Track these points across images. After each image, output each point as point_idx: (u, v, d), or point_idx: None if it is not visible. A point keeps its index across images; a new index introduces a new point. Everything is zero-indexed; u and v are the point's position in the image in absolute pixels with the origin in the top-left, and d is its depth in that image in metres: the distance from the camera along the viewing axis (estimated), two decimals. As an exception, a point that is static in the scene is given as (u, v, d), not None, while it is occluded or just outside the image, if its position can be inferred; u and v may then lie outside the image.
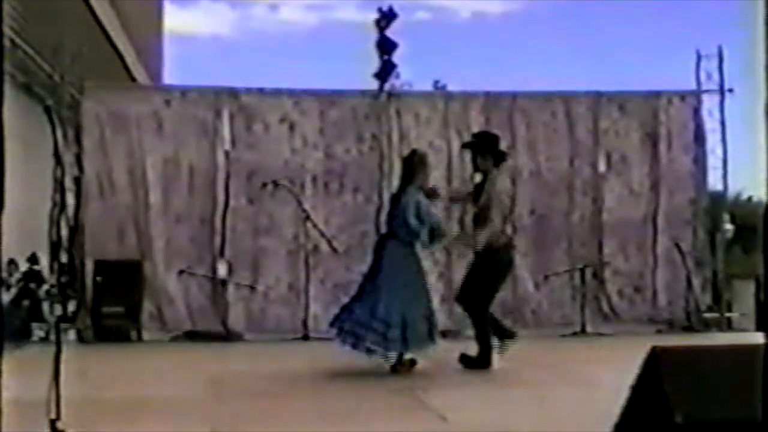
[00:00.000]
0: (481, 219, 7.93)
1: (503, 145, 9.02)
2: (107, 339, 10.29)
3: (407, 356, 7.73)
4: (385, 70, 10.96)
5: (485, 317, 7.95)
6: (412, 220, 7.60)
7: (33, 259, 10.46)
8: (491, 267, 7.95)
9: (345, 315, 7.77)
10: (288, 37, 48.93)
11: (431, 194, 7.97)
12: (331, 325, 7.97)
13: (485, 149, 8.08)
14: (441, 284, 10.76)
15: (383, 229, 10.98)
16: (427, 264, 10.55)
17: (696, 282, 11.44)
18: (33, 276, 10.47)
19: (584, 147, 11.51)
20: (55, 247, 10.33)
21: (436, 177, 11.04)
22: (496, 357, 7.89)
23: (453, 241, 9.44)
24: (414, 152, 8.36)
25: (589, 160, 11.52)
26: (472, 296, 7.94)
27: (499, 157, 8.17)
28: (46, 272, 10.46)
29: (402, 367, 7.68)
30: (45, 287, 10.39)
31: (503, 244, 8.04)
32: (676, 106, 11.68)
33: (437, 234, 7.90)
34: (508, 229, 8.32)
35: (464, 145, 8.95)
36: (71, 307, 10.41)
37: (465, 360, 7.86)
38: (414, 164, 7.89)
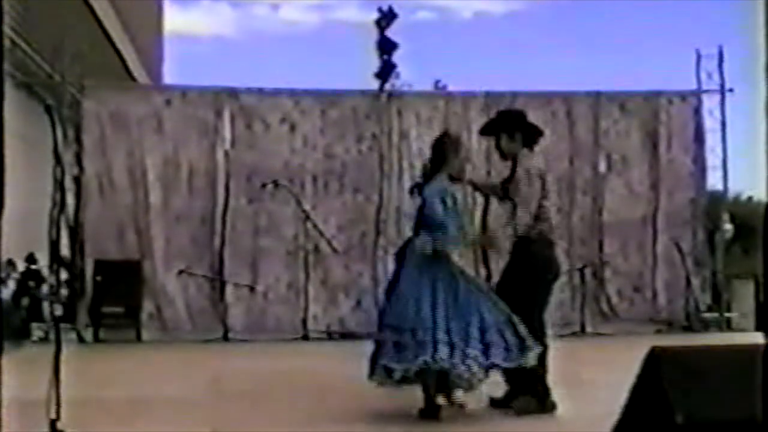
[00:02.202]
0: (509, 211, 6.28)
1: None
2: (107, 339, 10.30)
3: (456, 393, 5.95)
4: (386, 70, 10.96)
5: (541, 338, 6.05)
6: (438, 209, 5.89)
7: (31, 258, 10.46)
8: (526, 268, 6.15)
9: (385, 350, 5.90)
10: (289, 37, 48.92)
11: (453, 178, 6.18)
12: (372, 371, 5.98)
13: (511, 128, 6.28)
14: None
15: (383, 230, 11.04)
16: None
17: (695, 282, 11.45)
18: (32, 275, 10.47)
19: (584, 147, 11.52)
20: (54, 247, 10.33)
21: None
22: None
23: (476, 242, 7.77)
24: (446, 134, 6.97)
25: (589, 159, 11.53)
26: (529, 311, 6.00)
27: (531, 135, 6.32)
28: (45, 272, 10.45)
29: (448, 408, 5.91)
30: (45, 287, 10.39)
31: (539, 237, 6.25)
32: (676, 106, 11.69)
33: (456, 236, 6.12)
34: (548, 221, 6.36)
35: (484, 131, 6.96)
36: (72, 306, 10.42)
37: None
38: (446, 148, 6.16)
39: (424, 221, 5.99)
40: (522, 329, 5.81)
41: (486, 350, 5.74)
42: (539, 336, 6.00)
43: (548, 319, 6.47)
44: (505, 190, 6.36)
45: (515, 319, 5.82)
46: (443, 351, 5.65)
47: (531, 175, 6.15)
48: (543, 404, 6.02)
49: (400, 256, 6.27)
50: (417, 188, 6.25)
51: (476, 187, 7.06)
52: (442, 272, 5.91)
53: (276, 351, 9.67)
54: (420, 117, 11.25)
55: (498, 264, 8.27)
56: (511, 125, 6.30)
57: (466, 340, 5.71)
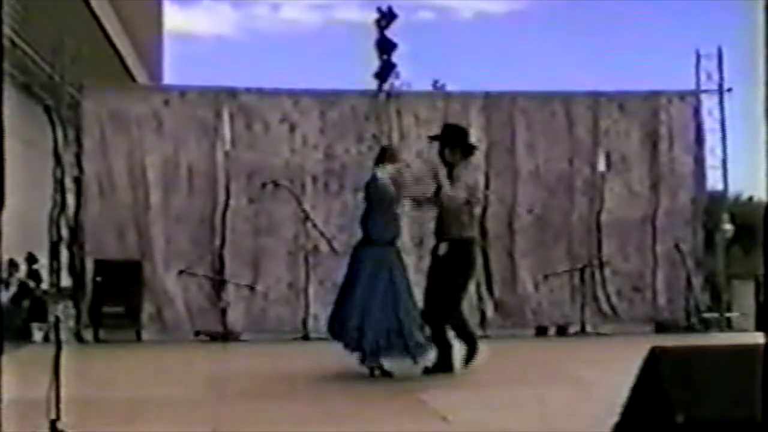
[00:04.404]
0: (446, 214, 7.76)
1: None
2: (107, 339, 10.30)
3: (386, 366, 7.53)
4: (385, 70, 10.95)
5: (451, 320, 7.72)
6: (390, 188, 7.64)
7: (31, 258, 10.46)
8: (462, 264, 7.73)
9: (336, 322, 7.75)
10: (289, 36, 49.03)
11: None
12: (329, 329, 7.95)
13: (454, 142, 7.90)
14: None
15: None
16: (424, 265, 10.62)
17: (696, 282, 11.44)
18: (32, 275, 10.48)
19: (584, 147, 11.51)
20: (54, 247, 10.33)
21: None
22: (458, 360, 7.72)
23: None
24: (384, 148, 8.46)
25: (588, 160, 11.52)
26: (440, 299, 7.66)
27: (468, 150, 8.00)
28: (45, 272, 10.46)
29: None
30: (44, 287, 10.39)
31: (471, 238, 7.86)
32: (676, 106, 11.67)
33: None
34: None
35: (432, 137, 8.54)
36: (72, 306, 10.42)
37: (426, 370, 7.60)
38: (385, 158, 7.92)
39: (376, 201, 7.63)
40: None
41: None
42: (449, 316, 7.70)
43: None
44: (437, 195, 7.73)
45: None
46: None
47: (461, 189, 7.60)
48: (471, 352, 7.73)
49: (354, 255, 7.75)
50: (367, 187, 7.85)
51: (416, 200, 8.44)
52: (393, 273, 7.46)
53: (276, 351, 9.67)
54: (419, 117, 11.24)
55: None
56: (453, 140, 7.88)
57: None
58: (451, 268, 7.68)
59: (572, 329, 11.15)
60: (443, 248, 7.71)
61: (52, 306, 10.12)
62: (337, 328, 7.67)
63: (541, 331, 11.15)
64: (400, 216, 8.03)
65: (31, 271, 10.70)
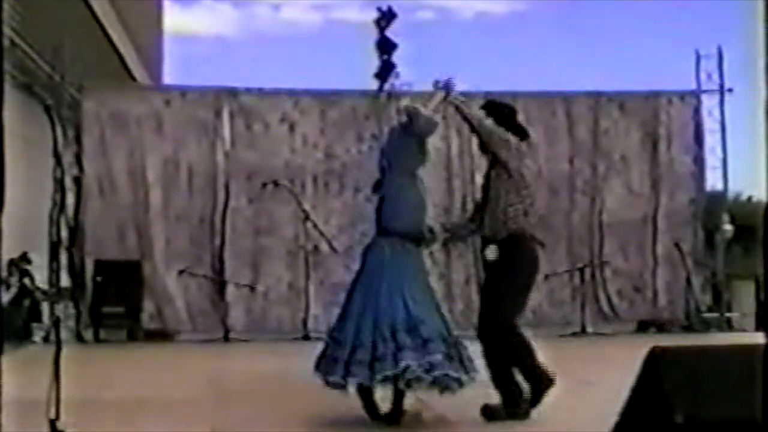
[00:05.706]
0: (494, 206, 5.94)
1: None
2: (107, 339, 10.30)
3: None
4: (385, 70, 10.92)
5: (517, 340, 5.88)
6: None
7: (24, 258, 10.45)
8: (514, 266, 5.76)
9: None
10: (290, 37, 48.92)
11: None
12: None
13: (496, 116, 6.18)
14: (441, 285, 10.74)
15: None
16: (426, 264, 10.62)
17: (696, 282, 11.44)
18: (28, 275, 10.47)
19: (584, 147, 11.51)
20: (54, 247, 10.33)
21: (435, 177, 11.06)
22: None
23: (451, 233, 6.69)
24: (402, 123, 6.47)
25: (589, 160, 11.52)
26: (495, 314, 5.75)
27: (520, 133, 6.23)
28: (45, 272, 10.45)
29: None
30: (40, 286, 10.38)
31: (529, 235, 5.87)
32: (676, 106, 11.69)
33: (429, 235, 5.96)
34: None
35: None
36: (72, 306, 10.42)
37: (489, 412, 5.75)
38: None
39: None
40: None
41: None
42: (513, 336, 5.86)
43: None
44: (485, 186, 6.19)
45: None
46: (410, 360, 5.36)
47: (523, 173, 6.13)
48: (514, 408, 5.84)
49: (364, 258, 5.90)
50: (377, 185, 6.16)
51: (447, 229, 6.56)
52: (406, 270, 5.65)
53: (276, 351, 9.67)
54: (420, 117, 11.23)
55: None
56: (497, 114, 6.22)
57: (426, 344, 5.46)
58: (506, 272, 5.75)
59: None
60: (492, 252, 5.84)
61: (47, 306, 10.12)
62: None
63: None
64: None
65: (27, 270, 10.68)
